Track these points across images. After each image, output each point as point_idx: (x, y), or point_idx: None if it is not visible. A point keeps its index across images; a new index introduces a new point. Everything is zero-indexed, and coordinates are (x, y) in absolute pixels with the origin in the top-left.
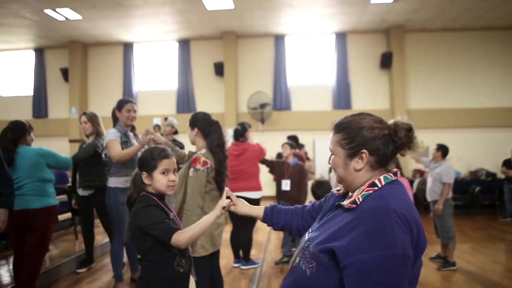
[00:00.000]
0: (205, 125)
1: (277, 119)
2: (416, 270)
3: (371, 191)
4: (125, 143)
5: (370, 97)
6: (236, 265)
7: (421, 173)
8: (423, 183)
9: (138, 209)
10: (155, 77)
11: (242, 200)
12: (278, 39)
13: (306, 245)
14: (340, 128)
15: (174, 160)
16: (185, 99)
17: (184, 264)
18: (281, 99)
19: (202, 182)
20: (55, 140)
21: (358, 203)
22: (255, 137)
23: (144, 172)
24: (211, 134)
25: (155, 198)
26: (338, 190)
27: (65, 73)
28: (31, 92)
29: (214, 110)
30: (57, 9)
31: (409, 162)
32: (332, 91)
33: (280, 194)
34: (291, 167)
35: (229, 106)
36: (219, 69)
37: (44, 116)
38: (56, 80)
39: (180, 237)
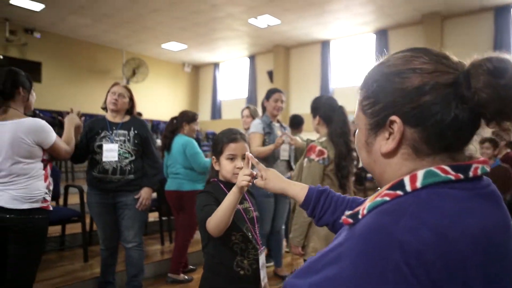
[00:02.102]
0: (328, 111)
1: None
2: None
3: (387, 198)
4: (268, 134)
5: None
6: None
7: None
8: None
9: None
10: (351, 72)
11: (274, 171)
12: (500, 11)
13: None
14: (363, 81)
15: (245, 145)
16: None
17: (247, 266)
18: None
19: (316, 174)
20: None
21: (360, 217)
22: None
23: (214, 157)
24: (333, 121)
25: (222, 186)
26: None
27: (270, 75)
28: (245, 95)
29: None
30: (258, 17)
31: None
32: None
33: None
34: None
35: None
36: None
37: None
38: (263, 82)
39: (208, 225)
